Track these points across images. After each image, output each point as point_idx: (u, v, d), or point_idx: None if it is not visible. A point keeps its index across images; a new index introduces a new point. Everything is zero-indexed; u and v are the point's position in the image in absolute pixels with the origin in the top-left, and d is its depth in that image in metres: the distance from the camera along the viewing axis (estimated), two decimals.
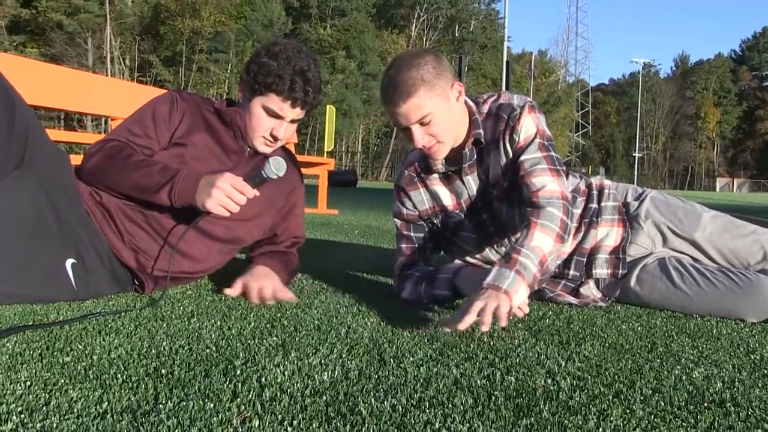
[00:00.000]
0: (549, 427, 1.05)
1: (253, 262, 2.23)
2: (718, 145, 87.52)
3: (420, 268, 2.16)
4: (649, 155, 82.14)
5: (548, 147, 1.99)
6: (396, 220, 2.25)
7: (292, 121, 2.11)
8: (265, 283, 2.05)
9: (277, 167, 1.96)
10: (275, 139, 2.09)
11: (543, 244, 1.81)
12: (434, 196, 2.17)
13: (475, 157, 2.07)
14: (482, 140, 2.03)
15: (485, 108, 2.07)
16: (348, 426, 1.02)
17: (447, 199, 2.16)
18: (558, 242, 1.85)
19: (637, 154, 67.11)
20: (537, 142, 1.98)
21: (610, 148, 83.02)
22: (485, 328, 1.60)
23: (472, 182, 2.10)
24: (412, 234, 2.22)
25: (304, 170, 2.79)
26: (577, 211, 2.20)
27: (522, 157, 1.97)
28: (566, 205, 1.90)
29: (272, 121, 2.07)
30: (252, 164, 2.14)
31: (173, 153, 2.04)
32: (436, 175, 2.15)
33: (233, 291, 2.06)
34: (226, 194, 1.89)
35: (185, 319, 1.73)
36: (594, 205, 2.21)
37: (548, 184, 1.92)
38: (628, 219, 2.23)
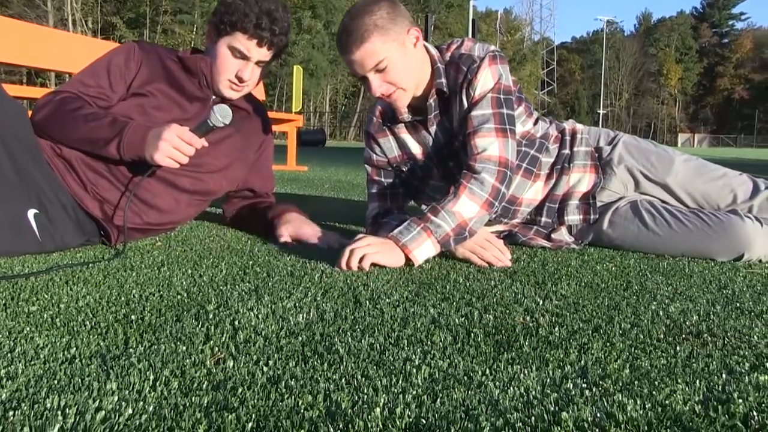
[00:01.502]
0: (531, 360, 1.03)
1: (281, 213, 2.24)
2: (680, 101, 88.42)
3: (396, 216, 2.10)
4: (613, 112, 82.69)
5: (501, 102, 1.92)
6: (367, 166, 2.21)
7: (258, 63, 2.05)
8: (315, 228, 2.15)
9: (222, 115, 1.90)
10: (241, 80, 2.03)
11: (465, 210, 1.81)
12: (402, 145, 2.12)
13: (439, 108, 2.02)
14: (445, 89, 1.98)
15: (447, 55, 2.01)
16: (326, 364, 0.99)
17: (414, 147, 2.11)
18: (485, 208, 1.84)
19: (601, 111, 67.48)
20: (490, 96, 1.91)
21: (575, 105, 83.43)
22: (342, 265, 1.72)
23: (438, 132, 2.05)
24: (383, 180, 2.17)
25: (273, 127, 2.73)
26: (550, 160, 2.17)
27: (472, 113, 1.92)
28: (503, 171, 1.87)
29: (238, 62, 2.01)
30: None
31: (133, 103, 1.97)
32: (402, 125, 2.10)
33: (287, 238, 2.13)
34: (174, 146, 1.83)
35: (155, 268, 1.68)
36: (566, 151, 2.18)
37: (489, 147, 1.87)
38: (601, 164, 2.21)
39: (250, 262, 1.79)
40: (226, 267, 1.72)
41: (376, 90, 1.90)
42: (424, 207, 2.27)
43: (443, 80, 1.97)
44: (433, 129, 2.04)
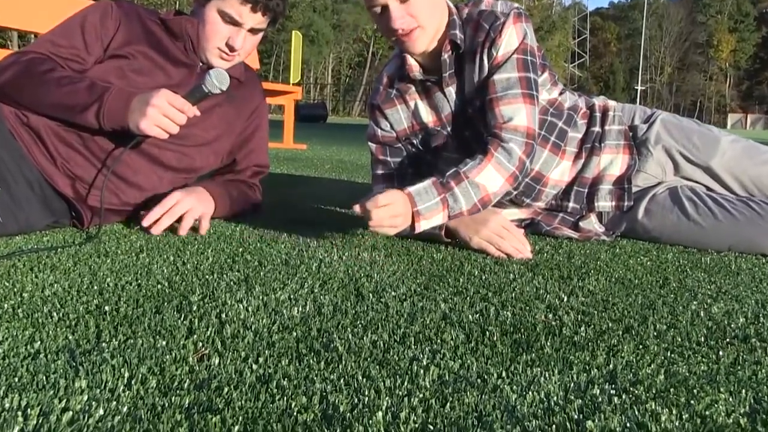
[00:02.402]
0: (552, 362, 1.03)
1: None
2: (731, 76, 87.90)
3: None
4: (653, 88, 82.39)
5: (528, 65, 1.94)
6: (371, 144, 2.20)
7: (252, 31, 2.04)
8: (190, 202, 1.99)
9: (219, 80, 1.88)
10: (232, 50, 2.02)
11: (491, 183, 1.84)
12: (414, 113, 2.12)
13: (455, 66, 2.02)
14: (459, 43, 1.98)
15: (465, 12, 2.02)
16: (322, 363, 0.99)
17: (427, 115, 2.11)
18: (510, 182, 1.88)
19: (639, 87, 67.23)
20: (515, 58, 1.93)
21: (609, 80, 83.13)
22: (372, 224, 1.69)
23: (453, 94, 2.05)
24: (389, 159, 2.17)
25: (267, 100, 2.72)
26: (578, 135, 2.16)
27: (495, 76, 1.94)
28: (530, 144, 1.90)
29: (228, 29, 2.00)
30: None
31: (111, 66, 1.96)
32: (413, 88, 2.10)
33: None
34: (163, 113, 1.81)
35: (133, 254, 1.68)
36: (597, 129, 2.17)
37: (516, 115, 1.90)
38: (636, 144, 2.20)
39: (240, 249, 1.79)
40: (212, 254, 1.72)
41: (396, 20, 1.90)
42: None
43: (457, 32, 1.98)
44: (448, 90, 2.04)
